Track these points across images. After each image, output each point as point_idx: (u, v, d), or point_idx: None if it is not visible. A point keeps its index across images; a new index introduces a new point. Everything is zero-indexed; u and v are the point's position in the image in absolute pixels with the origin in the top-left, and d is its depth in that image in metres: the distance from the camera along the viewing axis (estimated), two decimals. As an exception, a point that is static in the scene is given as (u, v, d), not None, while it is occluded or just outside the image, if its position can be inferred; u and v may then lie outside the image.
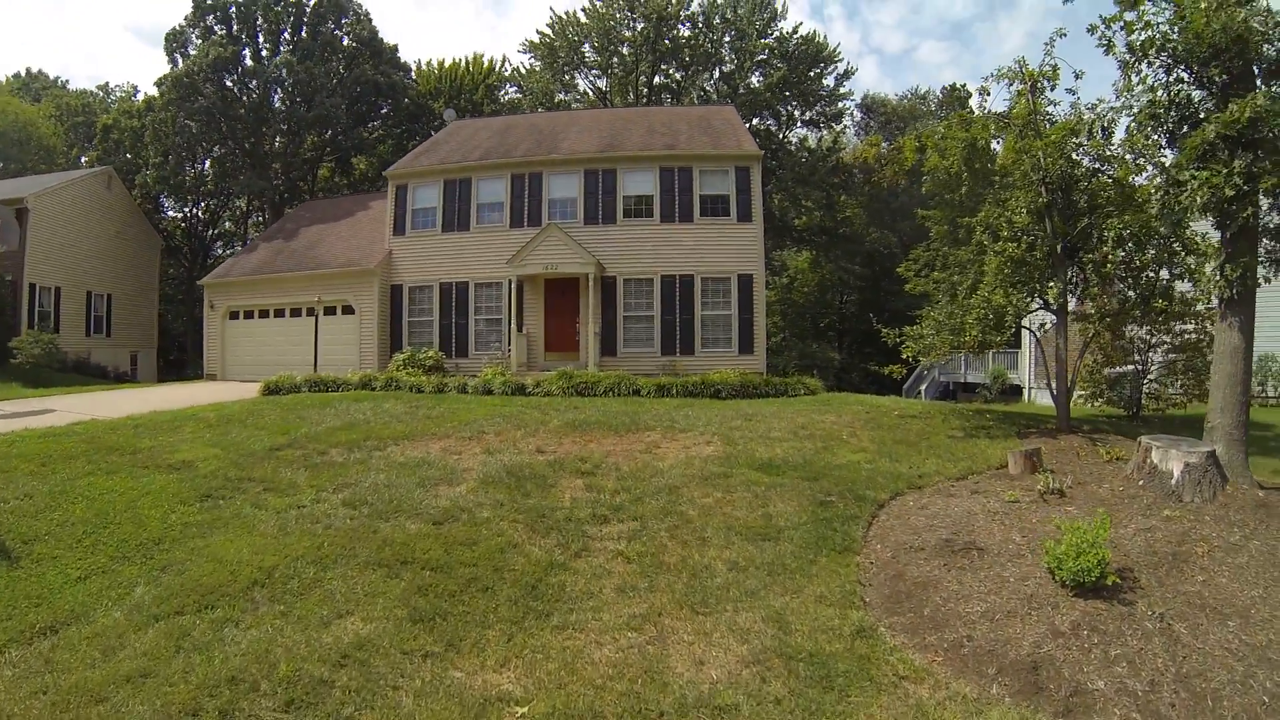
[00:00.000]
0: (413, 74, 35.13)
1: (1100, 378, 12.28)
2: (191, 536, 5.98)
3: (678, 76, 30.29)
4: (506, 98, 35.86)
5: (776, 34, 29.40)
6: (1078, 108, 10.16)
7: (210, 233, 38.58)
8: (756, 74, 29.14)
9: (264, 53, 31.36)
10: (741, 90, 28.00)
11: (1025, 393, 22.81)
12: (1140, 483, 6.74)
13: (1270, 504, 6.12)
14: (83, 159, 36.38)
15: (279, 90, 31.15)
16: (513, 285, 17.09)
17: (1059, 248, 10.00)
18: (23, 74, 45.20)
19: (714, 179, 17.49)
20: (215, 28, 30.62)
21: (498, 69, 36.46)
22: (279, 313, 19.78)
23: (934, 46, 79.38)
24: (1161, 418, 11.86)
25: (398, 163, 19.96)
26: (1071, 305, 10.64)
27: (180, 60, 29.70)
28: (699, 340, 17.00)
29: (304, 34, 31.33)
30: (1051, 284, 10.03)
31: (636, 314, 17.30)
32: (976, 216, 10.62)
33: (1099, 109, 9.49)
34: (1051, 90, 10.59)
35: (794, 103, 29.92)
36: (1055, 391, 10.61)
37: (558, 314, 17.56)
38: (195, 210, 37.11)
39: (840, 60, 31.41)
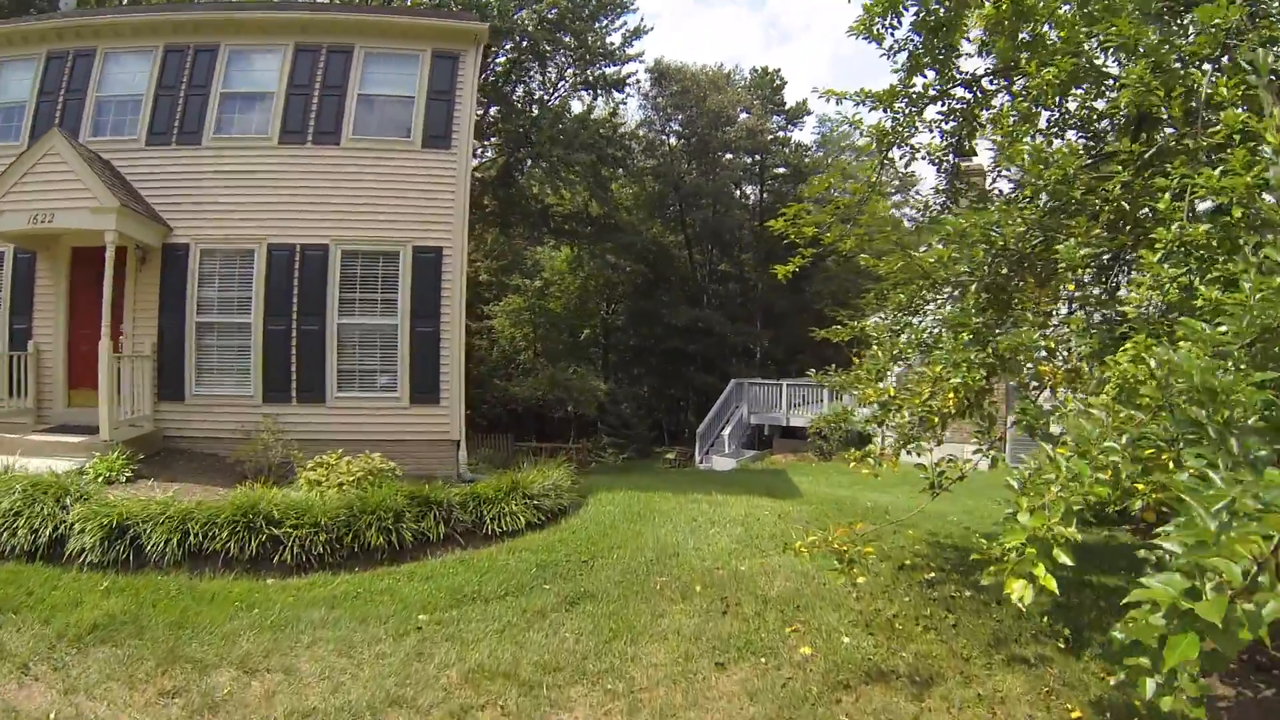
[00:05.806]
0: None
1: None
2: None
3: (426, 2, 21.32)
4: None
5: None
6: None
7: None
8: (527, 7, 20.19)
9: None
10: (500, 22, 19.21)
11: (880, 441, 14.78)
12: None
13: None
14: None
15: None
16: (8, 255, 8.76)
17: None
18: None
19: (390, 68, 9.23)
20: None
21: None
22: None
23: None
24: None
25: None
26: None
27: None
28: (334, 373, 8.73)
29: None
30: None
31: (224, 319, 8.96)
32: None
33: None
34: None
35: (566, 54, 21.16)
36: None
37: (93, 314, 9.20)
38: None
39: (635, 10, 22.76)
